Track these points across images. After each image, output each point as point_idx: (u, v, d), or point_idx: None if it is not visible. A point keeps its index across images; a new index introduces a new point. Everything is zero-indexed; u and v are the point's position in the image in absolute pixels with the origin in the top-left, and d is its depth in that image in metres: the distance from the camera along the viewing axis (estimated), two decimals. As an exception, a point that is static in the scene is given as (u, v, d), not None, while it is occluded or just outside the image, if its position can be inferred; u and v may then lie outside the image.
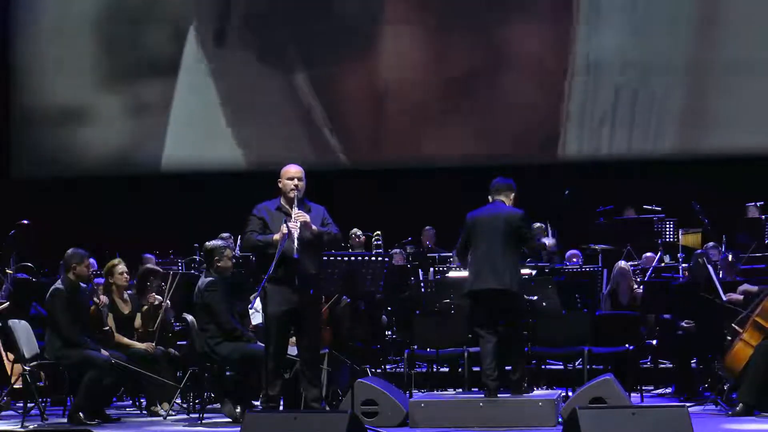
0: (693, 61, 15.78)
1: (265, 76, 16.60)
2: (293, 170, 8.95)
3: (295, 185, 8.84)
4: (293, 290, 8.72)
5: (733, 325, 9.71)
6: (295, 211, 8.72)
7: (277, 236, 8.66)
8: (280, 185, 8.95)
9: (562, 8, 16.05)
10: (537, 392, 9.95)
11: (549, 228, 14.23)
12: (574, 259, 13.59)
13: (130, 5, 17.05)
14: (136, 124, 17.06)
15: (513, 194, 9.62)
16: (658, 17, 15.86)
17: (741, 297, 10.19)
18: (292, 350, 9.21)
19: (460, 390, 10.83)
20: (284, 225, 8.64)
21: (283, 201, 8.93)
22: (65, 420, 9.84)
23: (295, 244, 8.57)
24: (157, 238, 14.76)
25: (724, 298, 10.25)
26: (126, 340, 10.28)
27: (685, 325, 10.42)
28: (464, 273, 10.86)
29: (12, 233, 13.28)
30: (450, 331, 10.77)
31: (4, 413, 10.44)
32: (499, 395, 9.29)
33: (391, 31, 16.43)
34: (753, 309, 9.65)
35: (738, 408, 9.38)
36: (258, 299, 10.19)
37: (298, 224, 8.64)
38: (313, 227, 8.75)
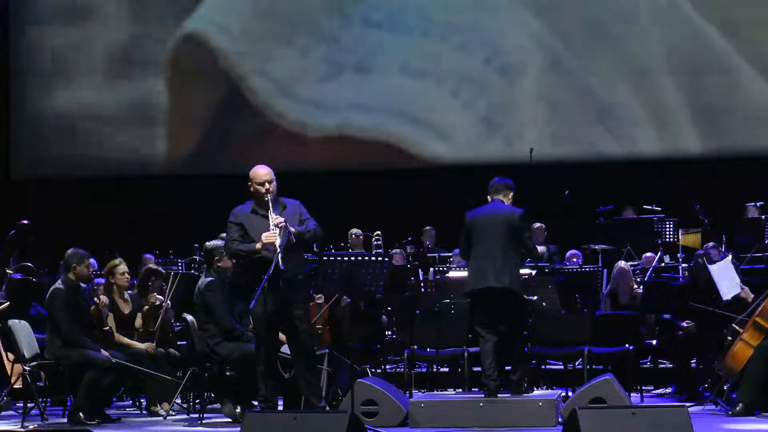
0: (694, 60, 15.80)
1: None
2: (262, 173, 8.87)
3: (266, 189, 8.79)
4: (278, 292, 8.68)
5: (733, 325, 9.71)
6: (272, 217, 8.67)
7: (258, 245, 8.66)
8: (251, 189, 8.90)
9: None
10: (537, 392, 9.96)
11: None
12: (574, 259, 13.60)
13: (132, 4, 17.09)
14: (137, 124, 17.06)
15: (511, 193, 9.62)
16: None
17: (752, 295, 10.15)
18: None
19: (460, 390, 10.83)
20: (268, 235, 8.59)
21: (255, 204, 8.90)
22: (65, 420, 9.84)
23: (279, 255, 8.51)
24: (157, 238, 14.76)
25: (724, 299, 10.23)
26: (126, 340, 10.27)
27: (685, 325, 10.42)
28: (464, 273, 10.90)
29: (12, 233, 13.28)
30: (450, 331, 10.75)
31: (4, 413, 10.44)
32: (499, 395, 9.29)
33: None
34: (754, 309, 9.65)
35: (738, 408, 9.37)
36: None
37: (278, 231, 8.60)
38: (292, 229, 8.69)
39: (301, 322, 8.89)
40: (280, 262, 8.49)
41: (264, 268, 8.51)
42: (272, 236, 8.59)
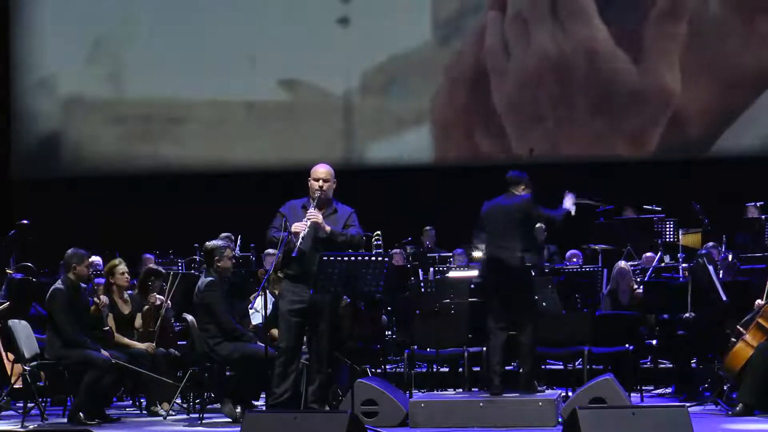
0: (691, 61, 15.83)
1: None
2: (320, 171, 9.01)
3: (319, 186, 8.91)
4: (306, 287, 8.77)
5: (738, 327, 9.71)
6: (309, 211, 8.79)
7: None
8: (309, 184, 9.02)
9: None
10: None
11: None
12: (574, 259, 13.60)
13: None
14: (137, 124, 17.05)
15: (521, 187, 9.67)
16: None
17: None
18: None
19: (460, 390, 10.83)
20: (297, 224, 8.74)
21: (309, 200, 9.00)
22: (65, 420, 9.84)
23: (299, 242, 8.64)
24: (157, 238, 14.76)
25: (724, 298, 10.23)
26: (126, 340, 10.27)
27: (687, 317, 10.38)
28: (464, 273, 10.92)
29: (12, 233, 13.28)
30: (450, 331, 10.77)
31: (4, 413, 10.44)
32: (504, 394, 9.30)
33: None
34: (758, 311, 9.65)
35: (738, 408, 9.38)
36: (258, 299, 10.20)
37: (308, 224, 8.71)
38: (327, 228, 8.81)
39: (325, 321, 8.93)
40: (295, 248, 8.64)
41: (293, 260, 8.71)
42: (299, 226, 8.71)
